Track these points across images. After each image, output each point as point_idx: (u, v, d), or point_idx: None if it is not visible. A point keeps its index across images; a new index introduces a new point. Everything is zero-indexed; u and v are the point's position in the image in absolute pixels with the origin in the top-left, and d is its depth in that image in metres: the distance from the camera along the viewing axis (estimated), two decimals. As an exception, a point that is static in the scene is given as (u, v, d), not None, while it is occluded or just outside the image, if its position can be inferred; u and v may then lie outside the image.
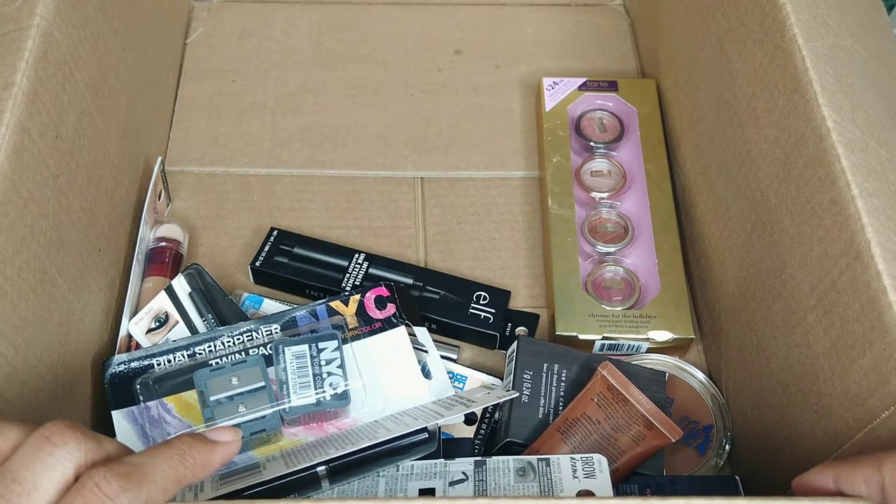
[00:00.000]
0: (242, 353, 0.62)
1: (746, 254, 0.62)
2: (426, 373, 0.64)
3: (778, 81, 0.56)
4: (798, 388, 0.55)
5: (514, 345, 0.65)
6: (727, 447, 0.65)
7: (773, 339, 0.58)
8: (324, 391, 0.60)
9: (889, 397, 0.45)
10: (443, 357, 0.67)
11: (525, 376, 0.63)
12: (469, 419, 0.65)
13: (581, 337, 0.68)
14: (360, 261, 0.72)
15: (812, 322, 0.52)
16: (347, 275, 0.72)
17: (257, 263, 0.72)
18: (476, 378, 0.67)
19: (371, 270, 0.72)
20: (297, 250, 0.73)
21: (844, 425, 0.49)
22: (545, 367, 0.64)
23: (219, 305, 0.65)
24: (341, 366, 0.61)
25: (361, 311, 0.65)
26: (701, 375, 0.68)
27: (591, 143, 0.78)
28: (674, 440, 0.58)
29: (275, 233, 0.74)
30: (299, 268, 0.72)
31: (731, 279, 0.65)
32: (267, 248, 0.73)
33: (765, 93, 0.58)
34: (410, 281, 0.72)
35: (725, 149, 0.65)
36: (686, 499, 0.40)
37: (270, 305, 0.70)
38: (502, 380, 0.67)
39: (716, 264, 0.68)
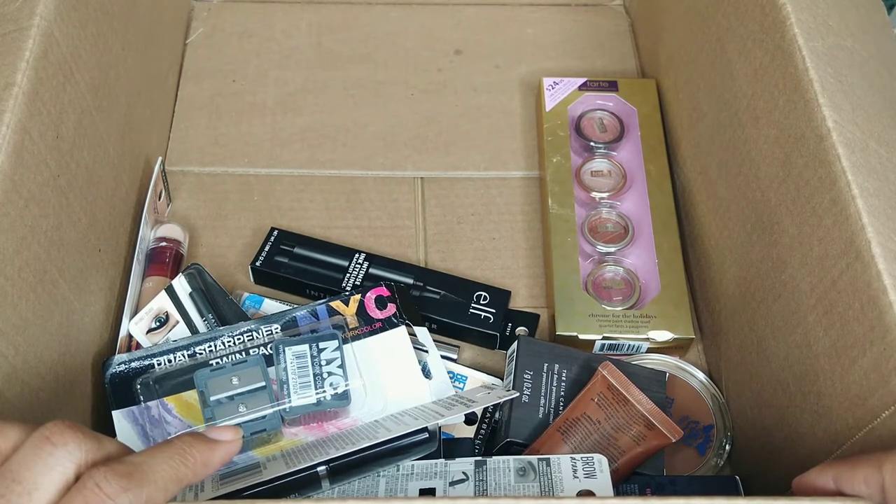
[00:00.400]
0: (243, 353, 0.62)
1: (746, 254, 0.62)
2: (426, 373, 0.64)
3: (778, 81, 0.56)
4: (798, 388, 0.55)
5: (515, 345, 0.65)
6: (727, 447, 0.65)
7: (774, 338, 0.58)
8: (324, 391, 0.60)
9: (889, 397, 0.45)
10: (443, 357, 0.67)
11: (525, 376, 0.63)
12: (469, 419, 0.65)
13: (581, 337, 0.68)
14: (360, 261, 0.72)
15: (812, 322, 0.52)
16: (348, 275, 0.72)
17: (258, 263, 0.72)
18: (476, 378, 0.67)
19: (371, 270, 0.72)
20: (297, 250, 0.73)
21: (844, 425, 0.49)
22: (545, 367, 0.64)
23: (219, 305, 0.65)
24: (342, 366, 0.61)
25: (362, 310, 0.65)
26: (701, 375, 0.68)
27: (592, 143, 0.78)
28: (674, 440, 0.58)
29: (275, 233, 0.74)
30: (300, 268, 0.72)
31: (731, 279, 0.65)
32: (267, 248, 0.73)
33: (765, 93, 0.58)
34: (411, 281, 0.72)
35: (725, 149, 0.65)
36: (687, 498, 0.40)
37: (271, 305, 0.70)
38: (502, 380, 0.67)
39: (716, 264, 0.68)
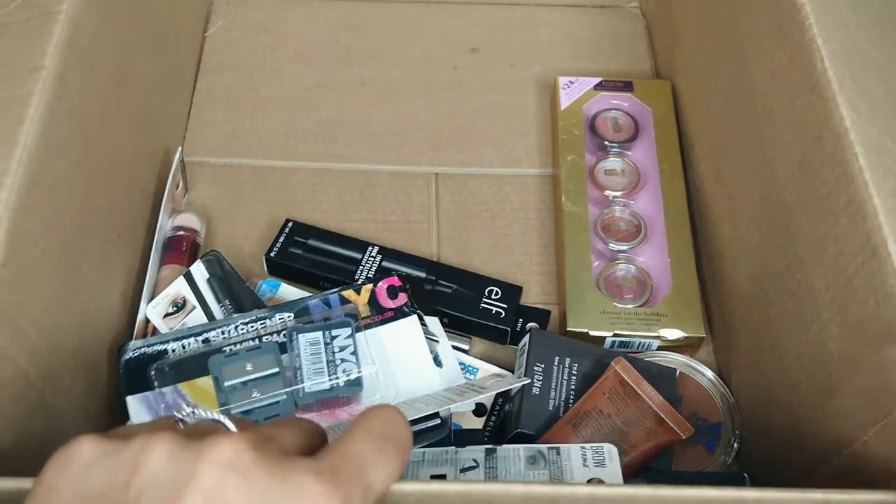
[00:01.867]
0: (256, 340, 0.62)
1: (760, 253, 0.62)
2: (437, 361, 0.64)
3: (796, 82, 0.57)
4: (810, 387, 0.55)
5: (527, 337, 0.65)
6: (735, 445, 0.65)
7: (787, 337, 0.58)
8: (337, 377, 0.61)
9: (903, 394, 0.46)
10: (455, 348, 0.67)
11: (537, 368, 0.63)
12: (479, 411, 0.66)
13: (592, 333, 0.68)
14: (373, 254, 0.73)
15: (826, 320, 0.53)
16: (361, 267, 0.72)
17: (272, 254, 0.73)
18: (487, 370, 0.68)
19: (384, 263, 0.72)
20: (311, 242, 0.74)
21: (856, 423, 0.50)
22: (557, 360, 0.64)
23: (236, 292, 0.66)
24: (354, 353, 0.62)
25: (373, 300, 0.65)
26: (710, 373, 0.68)
27: (606, 143, 0.78)
28: (684, 437, 0.59)
29: (290, 224, 0.75)
30: (313, 259, 0.73)
31: (745, 278, 0.65)
32: (282, 240, 0.74)
33: (782, 94, 0.59)
34: (423, 274, 0.72)
35: (741, 149, 0.66)
36: (697, 488, 0.41)
37: (287, 290, 0.70)
38: (513, 373, 0.67)
39: (728, 264, 0.68)
